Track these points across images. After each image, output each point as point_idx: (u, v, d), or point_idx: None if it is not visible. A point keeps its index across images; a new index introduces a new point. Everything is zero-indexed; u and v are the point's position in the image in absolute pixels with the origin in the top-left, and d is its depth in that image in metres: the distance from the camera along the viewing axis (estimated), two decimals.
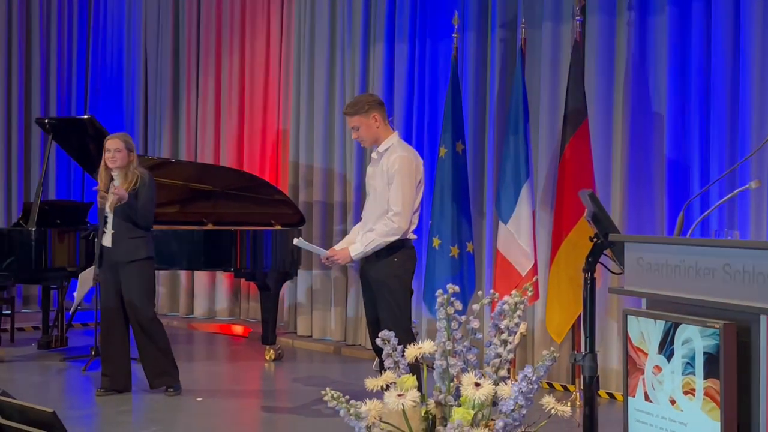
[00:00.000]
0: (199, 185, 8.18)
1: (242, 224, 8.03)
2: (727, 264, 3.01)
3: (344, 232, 8.45)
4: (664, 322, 3.17)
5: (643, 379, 3.26)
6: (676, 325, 3.12)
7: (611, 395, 6.41)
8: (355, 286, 8.13)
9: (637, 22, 6.49)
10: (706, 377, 2.99)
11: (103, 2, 11.25)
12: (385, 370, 3.48)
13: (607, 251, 3.91)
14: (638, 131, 6.47)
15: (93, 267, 6.47)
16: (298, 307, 9.05)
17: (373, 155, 5.21)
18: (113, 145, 6.19)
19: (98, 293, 6.71)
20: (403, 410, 3.30)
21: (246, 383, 7.26)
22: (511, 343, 3.46)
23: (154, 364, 6.33)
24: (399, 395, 3.31)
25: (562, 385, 6.74)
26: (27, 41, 10.63)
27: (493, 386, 3.34)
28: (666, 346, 3.15)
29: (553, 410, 3.32)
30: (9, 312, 8.37)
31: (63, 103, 10.96)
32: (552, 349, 3.43)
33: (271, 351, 7.90)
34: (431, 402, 3.43)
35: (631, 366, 3.34)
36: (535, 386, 3.35)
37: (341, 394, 3.35)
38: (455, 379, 3.40)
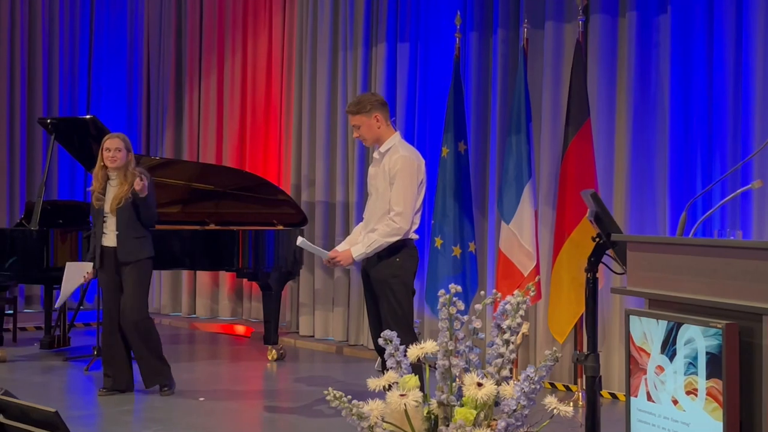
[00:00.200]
0: (202, 185, 8.18)
1: (244, 224, 8.04)
2: (729, 264, 3.00)
3: (346, 232, 8.45)
4: (666, 322, 3.17)
5: (646, 379, 3.26)
6: (679, 325, 3.12)
7: (613, 395, 6.41)
8: (357, 286, 8.13)
9: (640, 22, 6.48)
10: (708, 377, 2.99)
11: (106, 2, 11.26)
12: (388, 370, 3.48)
13: (610, 251, 3.91)
14: (640, 131, 6.47)
15: (82, 263, 6.44)
16: (301, 307, 9.06)
17: (375, 155, 5.21)
18: (113, 144, 6.19)
19: (99, 293, 6.72)
20: (406, 410, 3.30)
21: (248, 383, 7.26)
22: (513, 343, 3.45)
23: (149, 364, 6.33)
24: (401, 395, 3.30)
25: (564, 385, 6.73)
26: (30, 41, 10.64)
27: (496, 386, 3.34)
28: (668, 346, 3.15)
29: (555, 410, 3.32)
30: (11, 312, 8.39)
31: (65, 103, 10.97)
32: (554, 349, 3.43)
33: (274, 351, 7.90)
34: (433, 402, 3.43)
35: (633, 366, 3.34)
36: (538, 386, 3.34)
37: (343, 394, 3.35)
38: (457, 379, 3.40)
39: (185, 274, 10.35)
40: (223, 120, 10.25)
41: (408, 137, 7.77)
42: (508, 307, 3.47)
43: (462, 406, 3.34)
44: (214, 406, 6.21)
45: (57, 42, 10.85)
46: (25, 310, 10.15)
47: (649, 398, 3.25)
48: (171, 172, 8.09)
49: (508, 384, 3.38)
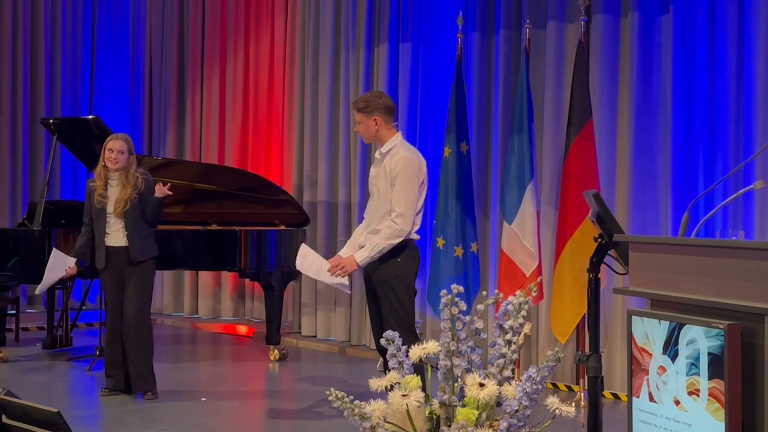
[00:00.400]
0: (204, 185, 8.18)
1: (247, 224, 8.04)
2: (731, 264, 3.00)
3: (348, 233, 8.45)
4: (668, 322, 3.17)
5: (648, 380, 3.26)
6: (681, 326, 3.11)
7: (616, 395, 6.41)
8: (359, 286, 8.13)
9: (642, 23, 6.48)
10: (710, 378, 2.99)
11: (108, 3, 11.27)
12: (390, 371, 3.48)
13: (612, 251, 3.91)
14: (643, 131, 6.47)
15: (66, 256, 6.38)
16: (303, 307, 9.06)
17: (376, 155, 5.21)
18: (117, 146, 6.20)
19: (102, 293, 6.72)
20: (407, 410, 3.30)
21: (250, 383, 7.27)
22: (515, 343, 3.45)
23: (138, 370, 6.30)
24: (403, 395, 3.30)
25: (566, 386, 6.73)
26: (32, 42, 10.65)
27: (498, 387, 3.33)
28: (670, 347, 3.15)
29: (557, 411, 3.32)
30: (14, 312, 8.39)
31: (68, 103, 10.98)
32: (556, 349, 3.43)
33: (276, 351, 7.90)
34: (435, 402, 3.43)
35: (635, 366, 3.34)
36: (540, 386, 3.34)
37: (345, 395, 3.35)
38: (459, 380, 3.40)
39: (187, 274, 10.36)
40: (225, 120, 10.26)
41: (410, 137, 7.78)
42: (510, 307, 3.47)
43: (464, 406, 3.34)
44: (216, 406, 6.21)
45: (60, 42, 10.86)
46: (28, 310, 10.17)
47: (651, 399, 3.25)
48: (173, 172, 8.09)
49: (510, 384, 3.38)
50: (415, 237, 5.11)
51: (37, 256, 7.33)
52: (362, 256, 5.04)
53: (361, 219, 5.40)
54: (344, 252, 5.26)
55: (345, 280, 5.20)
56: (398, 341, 3.49)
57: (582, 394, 6.20)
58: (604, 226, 3.84)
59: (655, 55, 6.45)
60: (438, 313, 3.57)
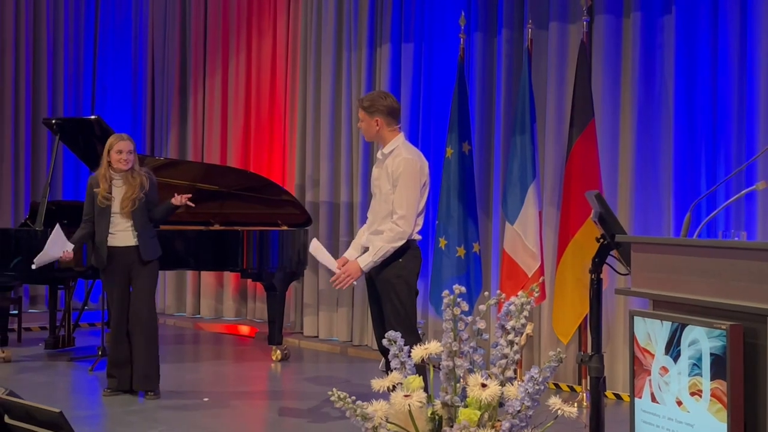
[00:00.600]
0: (206, 185, 8.18)
1: (249, 224, 8.04)
2: (733, 265, 3.00)
3: (350, 233, 8.47)
4: (670, 323, 3.17)
5: (650, 380, 3.26)
6: (683, 326, 3.11)
7: (618, 396, 6.41)
8: (361, 286, 8.13)
9: (644, 23, 6.48)
10: (712, 378, 2.99)
11: (111, 3, 11.27)
12: (392, 371, 3.48)
13: (614, 252, 3.91)
14: (645, 131, 6.46)
15: (66, 239, 6.34)
16: (305, 308, 9.06)
17: (378, 155, 5.22)
18: (127, 147, 6.20)
19: (104, 294, 6.72)
20: (410, 411, 3.30)
21: (252, 383, 7.27)
22: (517, 343, 3.45)
23: (145, 368, 6.31)
24: (405, 396, 3.30)
25: (568, 386, 6.73)
26: (35, 42, 10.66)
27: (500, 387, 3.34)
28: (672, 347, 3.15)
29: (559, 411, 3.32)
30: (16, 312, 8.39)
31: (70, 103, 10.99)
32: (558, 349, 3.43)
33: (278, 351, 7.91)
34: (437, 403, 3.43)
35: (637, 367, 3.34)
36: (542, 387, 3.34)
37: (347, 395, 3.35)
38: (461, 380, 3.40)
39: (190, 274, 10.36)
40: (227, 120, 10.26)
41: (412, 138, 7.78)
42: (512, 307, 3.47)
43: (466, 406, 3.34)
44: (218, 406, 6.22)
45: (62, 42, 10.87)
46: (30, 311, 10.17)
47: (654, 399, 3.25)
48: (175, 172, 8.10)
49: (512, 385, 3.38)
50: (417, 237, 5.12)
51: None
52: (366, 261, 5.04)
53: (362, 219, 5.42)
54: (349, 253, 5.26)
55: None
56: (400, 342, 3.49)
57: (584, 395, 6.20)
58: (606, 226, 3.84)
59: (658, 55, 6.45)
60: (440, 313, 3.57)
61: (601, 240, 3.85)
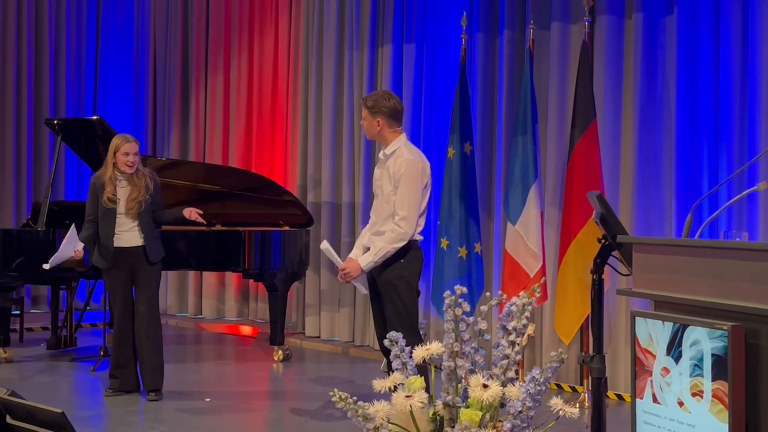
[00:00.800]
0: (208, 186, 8.19)
1: (250, 225, 8.04)
2: (735, 266, 3.00)
3: (352, 233, 8.48)
4: (672, 323, 3.17)
5: (651, 381, 3.26)
6: (684, 327, 3.11)
7: (619, 396, 6.41)
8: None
9: (646, 23, 6.48)
10: (714, 379, 2.99)
11: (113, 3, 11.28)
12: (393, 371, 3.48)
13: (615, 252, 3.91)
14: (647, 132, 6.46)
15: (76, 239, 6.35)
16: (307, 308, 9.06)
17: (380, 155, 5.23)
18: (133, 149, 6.19)
19: (106, 294, 6.72)
20: (411, 411, 3.30)
21: (254, 384, 7.27)
22: (519, 344, 3.45)
23: (152, 367, 6.31)
24: (407, 396, 3.31)
25: (570, 387, 6.73)
26: (36, 42, 10.67)
27: (501, 388, 3.34)
28: (674, 348, 3.15)
29: (561, 412, 3.32)
30: (18, 312, 8.40)
31: (72, 103, 10.99)
32: (560, 350, 3.43)
33: (280, 352, 7.91)
34: (439, 403, 3.43)
35: (639, 368, 3.33)
36: (543, 387, 3.34)
37: (349, 395, 3.36)
38: (463, 381, 3.40)
39: (192, 274, 10.36)
40: (229, 121, 10.26)
41: (414, 138, 7.78)
42: (513, 308, 3.47)
43: (467, 407, 3.34)
44: (220, 406, 6.22)
45: (64, 43, 10.88)
46: (32, 311, 10.18)
47: (655, 400, 3.25)
48: (177, 172, 8.10)
49: (513, 385, 3.38)
50: (419, 238, 5.12)
51: (41, 256, 7.33)
52: (366, 261, 5.05)
53: (364, 219, 5.43)
54: (354, 254, 5.27)
55: (359, 285, 5.22)
56: (402, 342, 3.49)
57: (586, 395, 6.20)
58: (608, 227, 3.85)
59: (659, 55, 6.44)
60: (441, 314, 3.57)
61: (603, 240, 3.85)
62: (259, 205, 8.26)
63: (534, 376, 3.33)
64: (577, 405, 6.07)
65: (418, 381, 3.39)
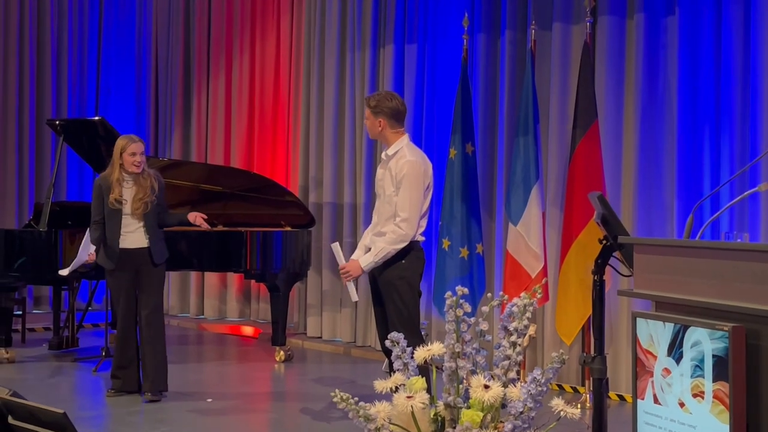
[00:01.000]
0: (210, 186, 8.20)
1: (252, 225, 8.05)
2: (736, 266, 3.00)
3: (354, 233, 8.48)
4: (673, 324, 3.17)
5: (652, 382, 3.26)
6: (685, 328, 3.11)
7: (621, 397, 6.41)
8: (365, 287, 8.13)
9: (648, 24, 6.48)
10: (715, 380, 2.99)
11: (115, 3, 11.29)
12: (395, 372, 3.49)
13: (617, 253, 3.91)
14: (648, 133, 6.46)
15: (88, 242, 6.38)
16: (308, 308, 9.07)
17: (383, 156, 5.24)
18: (140, 149, 6.18)
19: (108, 294, 6.73)
20: (412, 412, 3.30)
21: (256, 384, 7.27)
22: (520, 345, 3.46)
23: (157, 368, 6.31)
24: (408, 397, 3.31)
25: (571, 387, 6.73)
26: (38, 43, 10.67)
27: (503, 388, 3.34)
28: (675, 349, 3.15)
29: (562, 412, 3.32)
30: (20, 312, 8.40)
31: (74, 104, 11.00)
32: (561, 351, 3.43)
33: (281, 352, 7.91)
34: (440, 404, 3.43)
35: (640, 368, 3.34)
36: (545, 388, 3.34)
37: (350, 396, 3.36)
38: (464, 381, 3.40)
39: (193, 275, 10.37)
40: (231, 121, 10.27)
41: (415, 139, 7.78)
42: (515, 309, 3.48)
43: (469, 408, 3.34)
44: (221, 407, 6.22)
45: (66, 43, 10.88)
46: (34, 311, 10.18)
47: (656, 401, 3.25)
48: (179, 173, 8.11)
49: (515, 386, 3.38)
50: (420, 239, 5.13)
51: (43, 257, 7.34)
52: (367, 261, 5.06)
53: (366, 219, 5.44)
54: (356, 255, 5.28)
55: (352, 288, 5.22)
56: (403, 343, 3.50)
57: (587, 396, 6.20)
58: (609, 227, 3.85)
59: (661, 56, 6.44)
60: (443, 314, 3.57)
61: (604, 241, 3.86)
62: (260, 205, 8.26)
63: (535, 377, 3.33)
64: (579, 406, 6.07)
65: (420, 382, 3.39)
